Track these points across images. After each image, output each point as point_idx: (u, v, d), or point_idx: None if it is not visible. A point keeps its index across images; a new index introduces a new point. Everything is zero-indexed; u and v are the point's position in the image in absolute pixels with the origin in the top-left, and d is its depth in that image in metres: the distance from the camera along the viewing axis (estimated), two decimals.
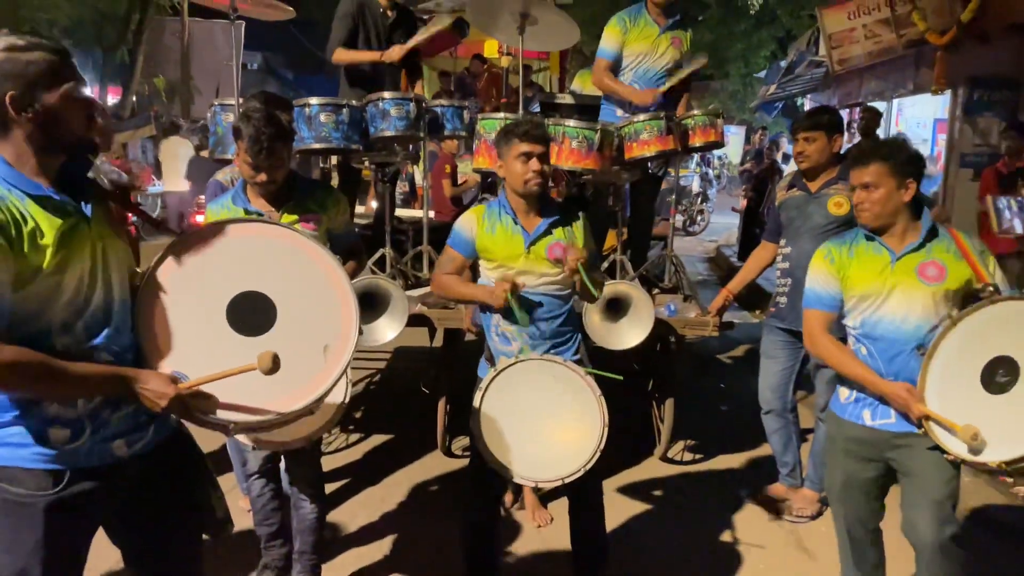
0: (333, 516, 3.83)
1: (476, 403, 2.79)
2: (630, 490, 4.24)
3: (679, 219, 15.39)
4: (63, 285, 1.73)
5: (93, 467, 1.83)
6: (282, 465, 3.15)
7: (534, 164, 2.77)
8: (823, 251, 2.69)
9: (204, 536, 2.17)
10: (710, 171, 18.06)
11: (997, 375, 2.31)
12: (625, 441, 4.66)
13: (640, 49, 4.50)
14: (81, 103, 1.78)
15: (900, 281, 2.52)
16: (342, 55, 4.67)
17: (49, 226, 1.70)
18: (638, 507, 4.08)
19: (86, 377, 1.75)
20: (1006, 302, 2.37)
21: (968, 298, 2.51)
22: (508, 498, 3.96)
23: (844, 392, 2.71)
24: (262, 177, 2.72)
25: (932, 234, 2.55)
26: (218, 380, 1.85)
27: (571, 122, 4.01)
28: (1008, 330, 2.33)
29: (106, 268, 1.83)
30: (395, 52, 4.13)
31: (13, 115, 1.68)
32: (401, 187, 7.89)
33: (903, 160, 2.51)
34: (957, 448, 2.37)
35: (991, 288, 2.45)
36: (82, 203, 1.80)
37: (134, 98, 15.03)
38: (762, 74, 16.39)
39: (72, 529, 1.84)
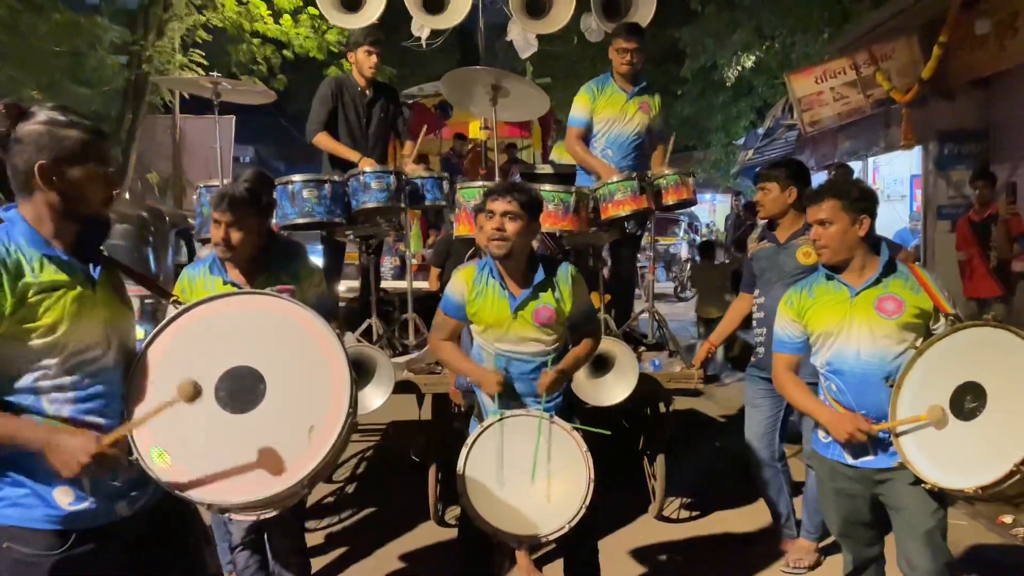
0: None
1: (461, 460, 2.80)
2: (626, 550, 4.17)
3: (669, 285, 15.55)
4: (59, 344, 1.79)
5: (98, 527, 1.87)
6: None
7: (494, 221, 2.78)
8: (784, 297, 2.81)
9: None
10: (698, 238, 18.31)
11: (966, 402, 2.35)
12: (619, 500, 4.63)
13: (609, 115, 4.67)
14: (102, 182, 1.88)
15: (859, 316, 2.59)
16: (323, 141, 4.81)
17: (51, 283, 1.79)
18: (635, 568, 4.01)
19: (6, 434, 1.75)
20: (968, 330, 2.43)
21: (931, 329, 2.58)
22: None
23: (822, 431, 2.74)
24: (220, 234, 2.73)
25: (890, 269, 2.63)
26: (145, 422, 1.85)
27: (547, 186, 4.12)
28: (972, 357, 2.38)
29: (107, 334, 1.90)
30: (367, 164, 4.33)
31: (39, 183, 1.79)
32: (392, 261, 8.01)
33: (855, 196, 2.61)
34: (934, 476, 2.38)
35: (952, 317, 2.51)
36: (91, 268, 1.89)
37: (127, 195, 15.31)
38: (741, 141, 16.80)
39: None
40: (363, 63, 4.83)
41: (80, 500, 1.84)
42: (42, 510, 1.81)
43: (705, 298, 9.12)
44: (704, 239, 12.48)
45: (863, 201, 2.61)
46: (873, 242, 2.66)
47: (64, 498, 1.83)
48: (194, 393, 1.85)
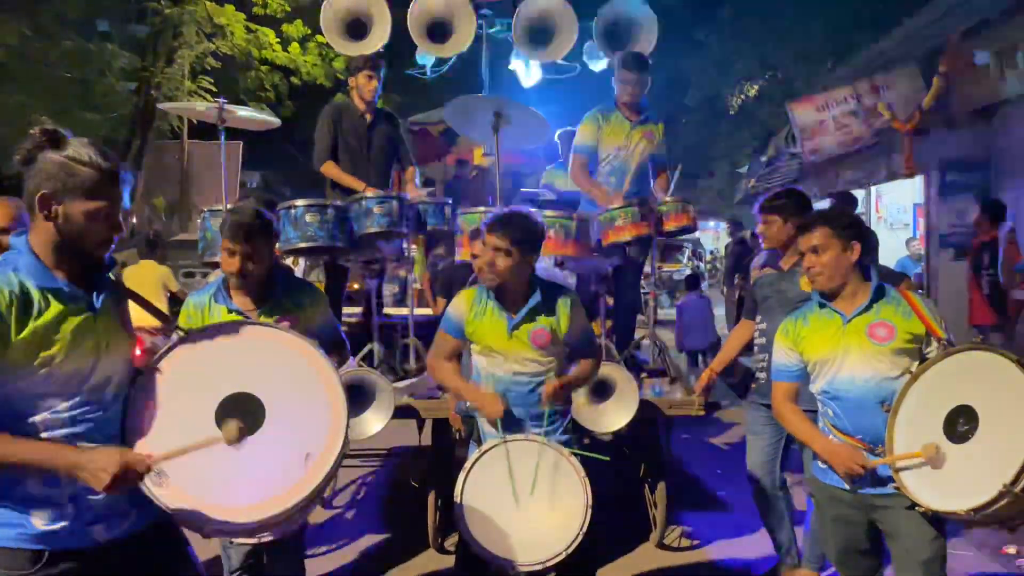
0: None
1: (459, 485, 2.80)
2: None
3: (673, 311, 15.46)
4: (56, 370, 1.81)
5: (73, 549, 1.85)
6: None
7: (487, 255, 2.84)
8: (780, 327, 2.83)
9: None
10: (702, 265, 18.36)
11: (958, 424, 2.36)
12: (620, 528, 4.59)
13: (614, 143, 4.71)
14: (102, 222, 1.88)
15: (852, 342, 2.61)
16: (330, 169, 4.87)
17: (53, 313, 1.81)
18: None
19: (29, 456, 1.77)
20: (960, 353, 2.45)
21: (924, 354, 2.59)
22: None
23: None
24: (235, 264, 2.76)
25: (879, 294, 2.65)
26: (183, 455, 1.87)
27: (549, 212, 4.15)
28: (964, 380, 2.40)
29: (105, 360, 1.91)
30: (371, 192, 4.38)
31: (38, 211, 1.82)
32: (392, 288, 8.03)
33: (845, 224, 2.66)
34: (928, 500, 2.38)
35: (945, 341, 2.52)
36: (94, 295, 1.90)
37: (134, 219, 15.41)
38: (744, 169, 16.89)
39: None
40: (364, 87, 4.89)
41: (55, 521, 1.83)
42: (15, 529, 1.81)
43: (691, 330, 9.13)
44: (692, 271, 12.62)
45: (852, 228, 2.66)
46: (864, 270, 2.69)
47: (39, 519, 1.82)
48: (239, 436, 1.90)
